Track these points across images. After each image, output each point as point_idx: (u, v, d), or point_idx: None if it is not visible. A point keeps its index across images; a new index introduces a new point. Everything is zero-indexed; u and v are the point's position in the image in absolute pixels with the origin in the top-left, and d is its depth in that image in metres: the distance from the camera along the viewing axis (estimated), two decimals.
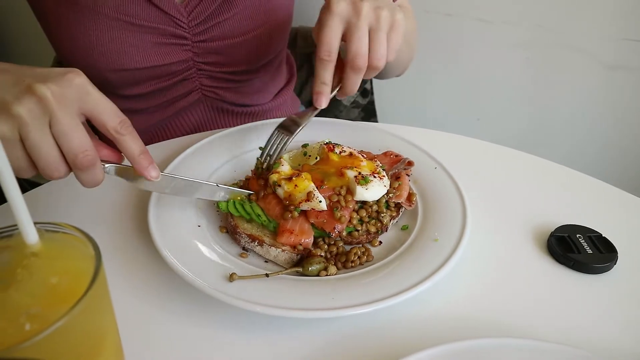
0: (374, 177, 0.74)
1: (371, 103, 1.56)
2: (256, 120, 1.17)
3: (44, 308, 0.36)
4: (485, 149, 0.98)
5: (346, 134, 0.94)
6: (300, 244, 0.69)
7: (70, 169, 0.59)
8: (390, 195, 0.75)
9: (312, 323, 0.62)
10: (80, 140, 0.57)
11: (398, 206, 0.77)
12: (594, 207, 0.83)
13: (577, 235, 0.73)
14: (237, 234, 0.72)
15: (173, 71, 1.01)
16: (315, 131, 0.93)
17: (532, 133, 1.78)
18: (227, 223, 0.75)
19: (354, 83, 0.78)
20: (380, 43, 0.75)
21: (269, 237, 0.71)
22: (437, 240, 0.70)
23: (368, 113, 1.57)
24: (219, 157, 0.89)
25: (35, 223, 0.42)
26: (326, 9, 0.75)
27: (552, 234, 0.74)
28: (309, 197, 0.70)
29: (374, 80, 1.54)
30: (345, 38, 0.76)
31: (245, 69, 1.07)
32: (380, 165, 0.79)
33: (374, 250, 0.72)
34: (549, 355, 0.52)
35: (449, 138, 1.00)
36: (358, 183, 0.72)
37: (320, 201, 0.70)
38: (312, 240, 0.70)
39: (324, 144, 0.82)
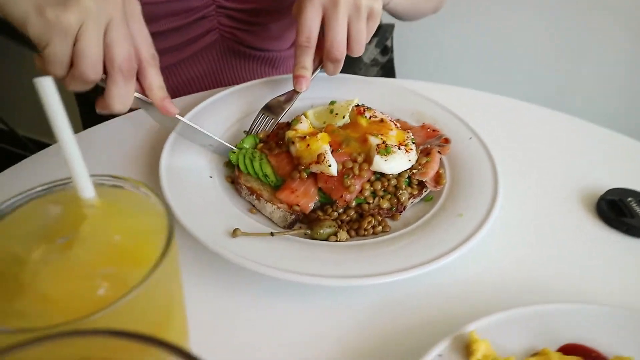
0: (399, 148, 0.68)
1: (390, 61, 1.51)
2: (272, 67, 1.14)
3: (118, 268, 0.33)
4: (523, 109, 0.93)
5: (374, 94, 0.88)
6: (298, 205, 0.66)
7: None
8: (414, 171, 0.69)
9: (315, 289, 0.59)
10: (130, 49, 0.61)
11: (422, 185, 0.70)
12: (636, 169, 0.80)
13: (629, 199, 0.70)
14: (238, 184, 0.70)
15: (192, 7, 0.96)
16: (343, 88, 0.88)
17: (560, 95, 1.73)
18: (233, 172, 0.72)
19: (332, 71, 0.81)
20: (359, 32, 0.77)
21: (268, 192, 0.69)
22: (462, 215, 0.65)
23: (387, 71, 1.52)
24: (236, 111, 0.85)
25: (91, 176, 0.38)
26: None
27: (601, 198, 0.71)
28: (319, 159, 0.66)
29: (395, 37, 1.48)
30: (323, 24, 0.76)
31: (266, 7, 1.02)
32: (412, 137, 0.72)
33: (392, 222, 0.68)
34: (618, 319, 0.51)
35: (486, 98, 0.96)
36: (378, 152, 0.66)
37: (330, 165, 0.66)
38: (313, 205, 0.67)
39: (355, 105, 0.77)
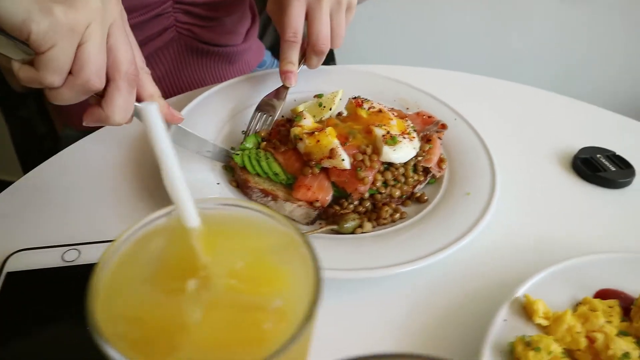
0: (404, 137, 0.70)
1: None
2: (229, 63, 1.11)
3: (268, 297, 0.31)
4: (478, 83, 1.01)
5: (351, 83, 0.89)
6: (317, 200, 0.67)
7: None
8: (419, 158, 0.71)
9: (362, 282, 0.61)
10: (132, 54, 0.57)
11: (426, 171, 0.73)
12: (594, 128, 0.90)
13: (597, 156, 0.80)
14: (247, 189, 0.68)
15: (148, 3, 0.91)
16: (317, 79, 0.89)
17: (495, 62, 1.84)
18: (237, 176, 0.70)
19: (316, 64, 0.83)
20: (340, 26, 0.80)
21: (282, 191, 0.68)
22: (469, 194, 0.70)
23: (327, 57, 1.54)
24: (223, 113, 0.83)
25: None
26: None
27: (575, 157, 0.80)
28: (331, 154, 0.66)
29: None
30: (307, 18, 0.78)
31: (221, 1, 1.00)
32: (411, 125, 0.75)
33: (403, 207, 0.71)
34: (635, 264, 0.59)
35: (447, 75, 1.01)
36: (385, 143, 0.68)
37: (343, 159, 0.66)
38: (330, 198, 0.68)
39: (352, 98, 0.78)
